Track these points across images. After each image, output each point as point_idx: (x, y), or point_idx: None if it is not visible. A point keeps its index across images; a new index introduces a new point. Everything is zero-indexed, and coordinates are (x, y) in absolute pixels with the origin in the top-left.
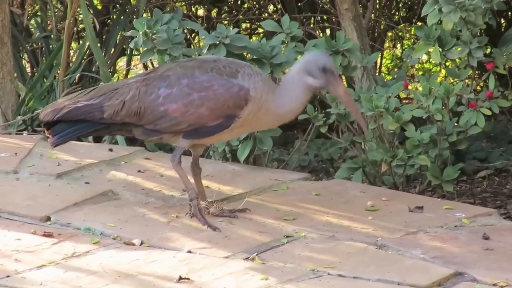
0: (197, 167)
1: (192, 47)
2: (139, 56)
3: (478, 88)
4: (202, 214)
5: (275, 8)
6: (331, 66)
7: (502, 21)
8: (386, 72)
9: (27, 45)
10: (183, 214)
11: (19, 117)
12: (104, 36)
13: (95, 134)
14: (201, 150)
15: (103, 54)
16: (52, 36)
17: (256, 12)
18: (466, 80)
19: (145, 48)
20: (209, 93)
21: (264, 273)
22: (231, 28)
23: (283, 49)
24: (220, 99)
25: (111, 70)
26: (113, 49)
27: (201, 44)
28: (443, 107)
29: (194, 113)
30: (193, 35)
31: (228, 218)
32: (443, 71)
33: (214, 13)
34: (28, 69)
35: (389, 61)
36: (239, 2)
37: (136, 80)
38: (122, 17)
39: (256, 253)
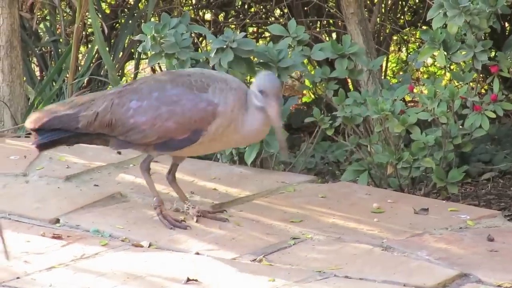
0: (171, 175)
1: (200, 51)
2: (147, 60)
3: (483, 91)
4: (166, 219)
5: (281, 12)
6: (269, 88)
7: (506, 24)
8: (392, 76)
9: (36, 49)
10: (191, 216)
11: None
12: (112, 40)
13: (75, 141)
14: (180, 160)
15: (111, 58)
16: (61, 40)
17: (263, 16)
18: (471, 83)
19: (153, 52)
20: (177, 107)
21: (271, 274)
22: (238, 32)
23: (289, 53)
24: (187, 113)
25: (120, 73)
26: (121, 53)
27: (209, 48)
28: (448, 110)
29: (161, 127)
30: (200, 39)
31: (236, 220)
32: (448, 74)
33: (221, 17)
34: (37, 73)
35: (394, 65)
36: (246, 7)
37: (113, 91)
38: (130, 21)
39: (263, 255)
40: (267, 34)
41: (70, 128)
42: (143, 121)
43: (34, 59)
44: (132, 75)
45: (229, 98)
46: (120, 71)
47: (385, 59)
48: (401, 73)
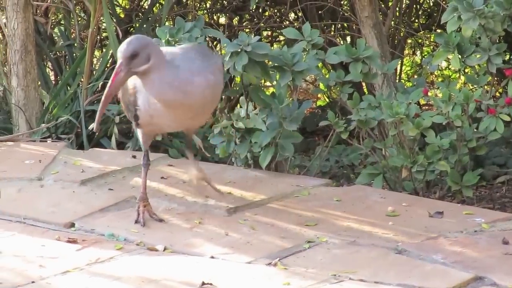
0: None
1: None
2: None
3: (497, 94)
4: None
5: (296, 16)
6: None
7: None
8: (406, 79)
9: (50, 53)
10: (206, 220)
11: (43, 124)
12: None
13: None
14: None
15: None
16: (75, 44)
17: (277, 20)
18: (485, 87)
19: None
20: None
21: (286, 278)
22: (252, 36)
23: (304, 56)
24: None
25: None
26: None
27: (223, 51)
28: (463, 113)
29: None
30: (215, 43)
31: (251, 224)
32: (463, 77)
33: (235, 21)
34: (52, 77)
35: (409, 68)
36: (260, 10)
37: None
38: (144, 26)
39: (278, 259)
40: (281, 37)
41: None
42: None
43: (49, 64)
44: None
45: None
46: None
47: (399, 62)
48: (415, 76)
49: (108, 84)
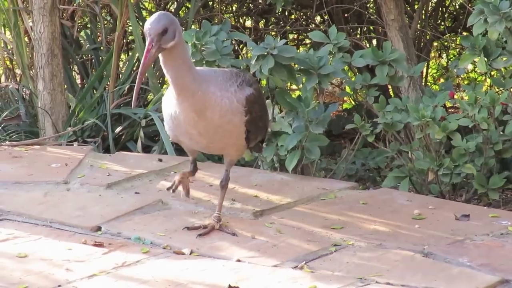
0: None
1: (240, 58)
2: None
3: None
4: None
5: (322, 19)
6: (145, 31)
7: None
8: (432, 82)
9: (77, 56)
10: (232, 224)
11: (69, 128)
12: None
13: None
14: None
15: (152, 65)
16: (101, 47)
17: (303, 23)
18: (511, 90)
19: (194, 60)
20: None
21: (312, 281)
22: (278, 39)
23: (330, 59)
24: None
25: (160, 81)
26: None
27: (249, 55)
28: (489, 116)
29: None
30: (241, 46)
31: (277, 227)
32: (489, 80)
33: (261, 24)
34: (78, 81)
35: (435, 71)
36: (286, 13)
37: None
38: None
39: (304, 262)
40: (307, 41)
41: None
42: None
43: (75, 67)
44: None
45: None
46: (160, 79)
47: (425, 65)
48: (441, 79)
49: (142, 62)
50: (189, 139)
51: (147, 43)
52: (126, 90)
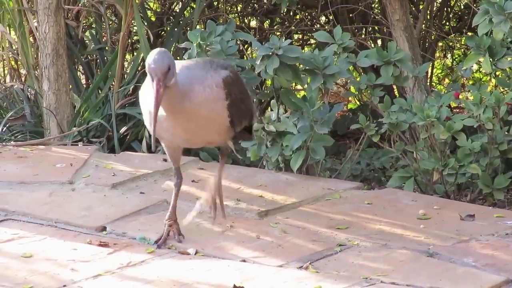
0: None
1: (245, 58)
2: None
3: None
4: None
5: (327, 19)
6: (148, 69)
7: None
8: (437, 82)
9: (82, 57)
10: (237, 224)
11: (74, 128)
12: None
13: None
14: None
15: None
16: (106, 48)
17: (308, 23)
18: None
19: None
20: None
21: (317, 281)
22: (283, 39)
23: (335, 59)
24: None
25: None
26: None
27: (254, 55)
28: (494, 116)
29: None
30: (246, 46)
31: (282, 227)
32: (494, 80)
33: (266, 24)
34: (83, 81)
35: (439, 71)
36: (291, 14)
37: None
38: (176, 29)
39: (309, 262)
40: (312, 41)
41: None
42: None
43: (80, 67)
44: None
45: None
46: None
47: (430, 65)
48: (446, 80)
49: (153, 104)
50: (171, 134)
51: (154, 84)
52: (131, 90)
